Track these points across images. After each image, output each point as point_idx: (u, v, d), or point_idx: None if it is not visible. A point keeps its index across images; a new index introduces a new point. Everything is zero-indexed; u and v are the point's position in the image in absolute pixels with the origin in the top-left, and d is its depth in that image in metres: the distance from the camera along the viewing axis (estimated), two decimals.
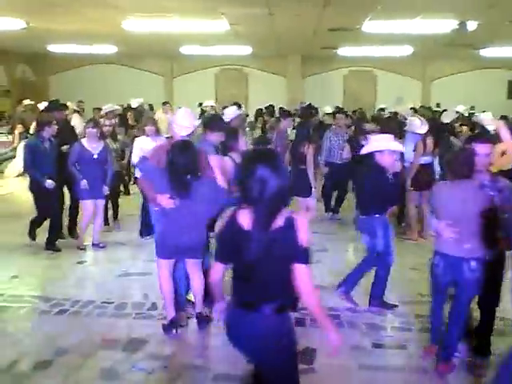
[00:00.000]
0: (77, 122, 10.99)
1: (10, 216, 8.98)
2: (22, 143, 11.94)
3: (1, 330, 4.80)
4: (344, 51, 16.31)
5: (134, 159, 7.00)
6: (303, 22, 11.32)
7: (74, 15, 10.92)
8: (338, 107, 13.69)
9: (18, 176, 12.45)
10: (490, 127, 7.91)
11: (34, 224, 7.20)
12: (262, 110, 13.79)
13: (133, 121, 12.09)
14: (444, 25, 10.77)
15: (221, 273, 2.76)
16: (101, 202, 7.25)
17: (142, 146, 6.95)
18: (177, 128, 4.89)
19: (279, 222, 2.52)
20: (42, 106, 11.53)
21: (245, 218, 2.57)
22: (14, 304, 5.34)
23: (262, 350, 2.61)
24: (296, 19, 11.02)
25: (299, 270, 2.54)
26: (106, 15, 10.88)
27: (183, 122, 4.83)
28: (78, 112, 11.82)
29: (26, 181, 11.57)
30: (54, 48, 16.63)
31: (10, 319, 5.03)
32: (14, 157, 12.54)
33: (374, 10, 9.70)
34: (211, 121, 5.43)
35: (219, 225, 2.63)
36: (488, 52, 15.77)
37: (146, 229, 7.14)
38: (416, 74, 20.15)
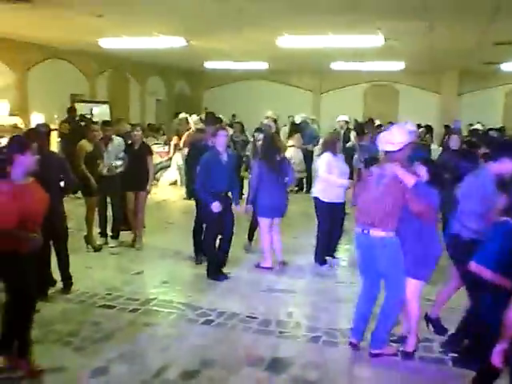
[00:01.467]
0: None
1: (163, 223, 9.45)
2: (177, 154, 12.68)
3: (152, 334, 4.97)
4: (508, 66, 15.06)
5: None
6: (465, 35, 10.63)
7: (231, 34, 11.36)
8: None
9: (171, 184, 13.21)
10: None
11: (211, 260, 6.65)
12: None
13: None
14: None
15: None
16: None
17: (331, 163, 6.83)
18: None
19: None
20: (194, 118, 12.13)
21: None
22: (165, 309, 5.52)
23: None
24: (457, 32, 10.38)
25: None
26: (261, 34, 11.16)
27: (392, 138, 4.41)
28: (231, 126, 12.18)
29: (178, 189, 12.33)
30: (210, 64, 17.45)
31: (160, 324, 5.19)
32: (169, 166, 13.30)
33: None
34: None
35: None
36: None
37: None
38: None
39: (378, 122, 13.76)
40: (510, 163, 4.30)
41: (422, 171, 4.40)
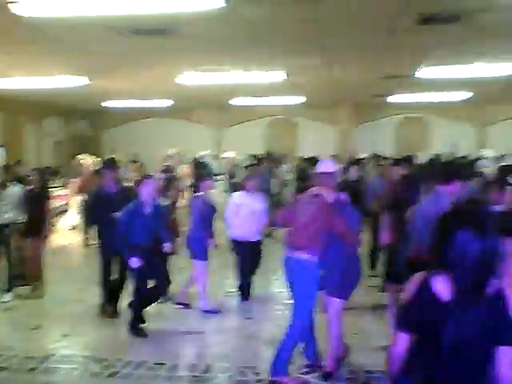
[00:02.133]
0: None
1: (63, 270, 8.92)
2: (76, 198, 12.14)
3: None
4: (396, 98, 16.04)
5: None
6: (360, 70, 11.17)
7: (132, 72, 11.17)
8: None
9: (71, 229, 12.58)
10: None
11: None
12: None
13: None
14: (504, 68, 10.37)
15: (405, 345, 2.34)
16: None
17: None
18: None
19: (485, 294, 2.17)
20: (91, 160, 11.79)
21: (442, 287, 2.21)
22: (66, 365, 5.12)
23: None
24: (353, 68, 10.89)
25: (505, 354, 2.15)
26: (162, 72, 11.08)
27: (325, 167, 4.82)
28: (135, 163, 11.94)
29: (78, 234, 11.76)
30: (111, 103, 17.09)
31: (61, 382, 4.80)
32: (67, 210, 12.70)
33: (432, 56, 9.45)
34: None
35: (406, 289, 2.32)
36: None
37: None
38: (470, 119, 19.56)
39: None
40: (459, 185, 4.66)
41: (344, 196, 4.69)
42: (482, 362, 2.19)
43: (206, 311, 6.59)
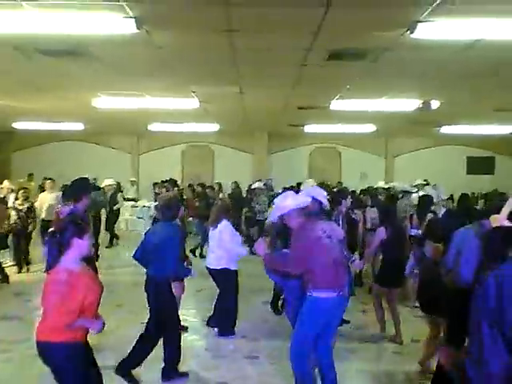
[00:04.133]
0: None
1: None
2: None
3: None
4: (311, 128, 16.65)
5: None
6: (273, 100, 11.53)
7: (45, 93, 10.85)
8: None
9: None
10: None
11: None
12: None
13: None
14: (408, 104, 11.12)
15: None
16: None
17: None
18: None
19: None
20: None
21: None
22: None
23: None
24: (266, 98, 11.22)
25: None
26: (76, 94, 10.86)
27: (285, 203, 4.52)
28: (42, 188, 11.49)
29: None
30: (21, 125, 16.45)
31: None
32: None
33: (342, 90, 9.95)
34: None
35: None
36: (448, 129, 16.33)
37: None
38: (379, 150, 20.70)
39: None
40: None
41: None
42: None
43: None
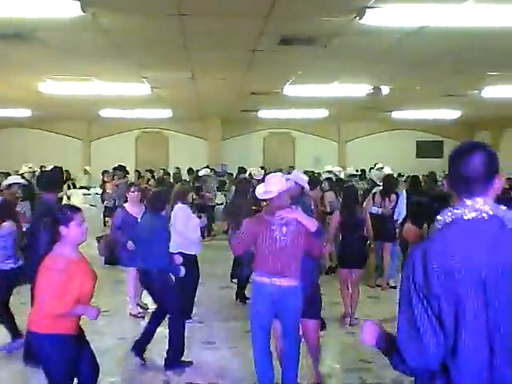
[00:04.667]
0: None
1: None
2: None
3: None
4: (264, 114, 16.67)
5: None
6: (225, 85, 11.45)
7: None
8: None
9: None
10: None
11: None
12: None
13: None
14: (359, 89, 11.26)
15: None
16: None
17: None
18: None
19: None
20: None
21: None
22: None
23: None
24: (218, 83, 11.12)
25: None
26: (20, 78, 10.48)
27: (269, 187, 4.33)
28: None
29: None
30: None
31: None
32: None
33: (294, 75, 9.98)
34: None
35: None
36: (398, 114, 16.67)
37: None
38: (332, 135, 20.95)
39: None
40: None
41: None
42: None
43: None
